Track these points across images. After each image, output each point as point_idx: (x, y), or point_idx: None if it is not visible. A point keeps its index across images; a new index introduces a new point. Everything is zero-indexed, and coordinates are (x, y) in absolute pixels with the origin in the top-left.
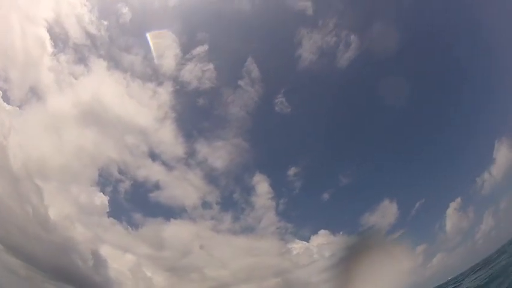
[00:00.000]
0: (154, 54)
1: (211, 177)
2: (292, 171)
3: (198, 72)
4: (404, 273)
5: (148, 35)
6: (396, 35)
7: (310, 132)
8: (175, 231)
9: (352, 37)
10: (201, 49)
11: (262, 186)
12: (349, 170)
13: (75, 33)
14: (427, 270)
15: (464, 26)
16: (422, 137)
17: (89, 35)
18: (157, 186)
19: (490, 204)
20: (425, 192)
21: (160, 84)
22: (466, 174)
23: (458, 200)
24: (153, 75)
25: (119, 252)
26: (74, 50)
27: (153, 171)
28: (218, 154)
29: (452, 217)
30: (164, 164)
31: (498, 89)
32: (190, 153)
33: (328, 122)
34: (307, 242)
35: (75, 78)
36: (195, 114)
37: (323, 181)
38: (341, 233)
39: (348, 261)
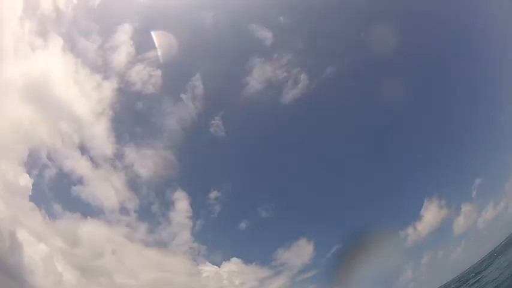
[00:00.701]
0: (109, 45)
1: (133, 183)
2: (213, 194)
3: (144, 76)
4: None
5: (110, 26)
6: (343, 83)
7: (238, 160)
8: (91, 230)
9: (303, 76)
10: (154, 53)
11: (182, 203)
12: (270, 204)
13: (45, 3)
14: None
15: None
16: (354, 184)
17: (56, 8)
18: (80, 181)
19: (411, 258)
20: (344, 238)
21: (106, 78)
22: (391, 226)
23: None
24: (102, 67)
25: (34, 240)
26: (40, 20)
27: (80, 165)
28: (145, 162)
29: None
30: (92, 160)
31: (436, 149)
32: (119, 156)
33: (259, 154)
34: (218, 267)
35: (32, 50)
36: (132, 116)
37: (242, 210)
38: (253, 263)
39: None
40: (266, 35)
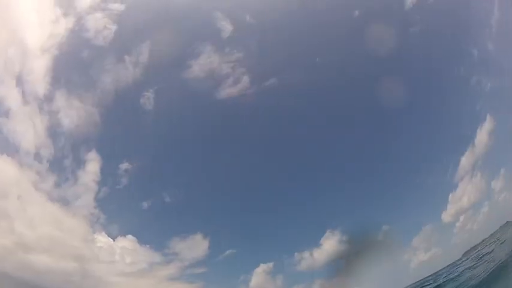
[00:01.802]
0: None
1: (54, 131)
2: (125, 165)
3: (100, 25)
4: None
5: None
6: (279, 98)
7: (158, 139)
8: (1, 166)
9: (245, 77)
10: (117, 7)
11: (93, 165)
12: (176, 191)
13: None
14: None
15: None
16: (261, 193)
17: None
18: (7, 114)
19: (302, 281)
20: (240, 244)
21: (66, 15)
22: (288, 247)
23: (271, 264)
24: (66, 1)
25: None
26: None
27: (11, 96)
28: (71, 113)
29: (259, 276)
30: (23, 93)
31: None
32: (48, 98)
33: (179, 139)
34: (113, 240)
35: None
36: (73, 62)
37: (148, 189)
38: (148, 246)
39: None
40: (226, 27)
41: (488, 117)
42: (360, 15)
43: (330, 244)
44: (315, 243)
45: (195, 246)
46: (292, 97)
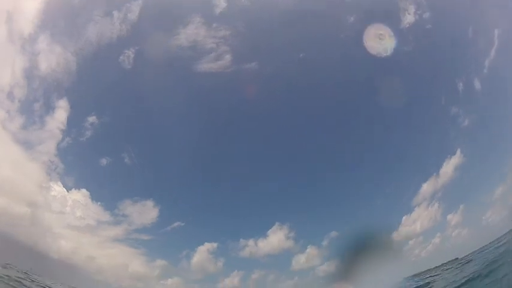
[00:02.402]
0: None
1: (31, 73)
2: (92, 119)
3: None
4: None
5: None
6: (255, 85)
7: (128, 97)
8: None
9: (227, 56)
10: None
11: (61, 113)
12: (136, 153)
13: None
14: None
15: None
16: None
17: None
18: None
19: (243, 268)
20: (188, 218)
21: None
22: (235, 231)
23: (215, 245)
24: None
25: None
26: None
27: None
28: (50, 57)
29: (202, 254)
30: (10, 31)
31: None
32: (32, 39)
33: (150, 101)
34: (67, 191)
35: None
36: (63, 7)
37: (110, 146)
38: (99, 203)
39: None
40: (220, 3)
41: (458, 151)
42: (355, 21)
43: (276, 237)
44: (262, 233)
45: (145, 212)
46: (267, 85)
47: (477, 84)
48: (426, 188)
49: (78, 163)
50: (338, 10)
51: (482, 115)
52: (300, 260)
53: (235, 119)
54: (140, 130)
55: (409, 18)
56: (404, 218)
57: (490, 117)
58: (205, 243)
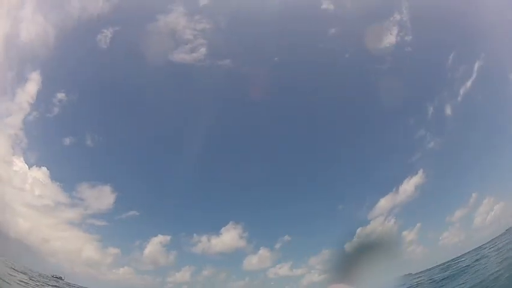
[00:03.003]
0: None
1: (11, 40)
2: (61, 95)
3: None
4: None
5: None
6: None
7: (103, 76)
8: None
9: (202, 50)
10: None
11: (32, 86)
12: (100, 137)
13: None
14: None
15: None
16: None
17: None
18: None
19: (194, 263)
20: (144, 208)
21: None
22: (189, 225)
23: (168, 238)
24: None
25: None
26: None
27: None
28: (33, 26)
29: (155, 246)
30: None
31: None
32: (19, 6)
33: (121, 85)
34: (28, 168)
35: None
36: None
37: (75, 126)
38: (58, 184)
39: None
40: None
41: (420, 171)
42: (335, 34)
43: (229, 235)
44: (216, 230)
45: (102, 198)
46: (237, 83)
47: (448, 111)
48: (384, 202)
49: (42, 140)
50: (320, 21)
51: (449, 140)
52: (252, 261)
53: (199, 113)
54: (107, 113)
55: (390, 38)
56: (359, 229)
57: (457, 143)
58: (159, 235)
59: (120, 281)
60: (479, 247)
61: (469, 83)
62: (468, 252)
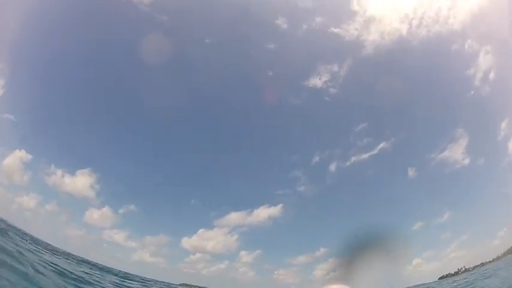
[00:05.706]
0: None
1: None
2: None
3: None
4: None
5: None
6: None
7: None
8: None
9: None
10: None
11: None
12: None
13: None
14: None
15: None
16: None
17: None
18: None
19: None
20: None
21: None
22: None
23: (30, 156)
24: None
25: None
26: None
27: None
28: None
29: (14, 159)
30: None
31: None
32: None
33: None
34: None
35: None
36: None
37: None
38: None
39: None
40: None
41: (280, 206)
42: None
43: (82, 180)
44: (71, 169)
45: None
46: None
47: (332, 168)
48: (234, 216)
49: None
50: (256, 54)
51: (320, 192)
52: (94, 215)
53: (145, 100)
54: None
55: (317, 82)
56: (200, 230)
57: (325, 197)
58: (23, 150)
59: None
60: None
61: (366, 156)
62: None
